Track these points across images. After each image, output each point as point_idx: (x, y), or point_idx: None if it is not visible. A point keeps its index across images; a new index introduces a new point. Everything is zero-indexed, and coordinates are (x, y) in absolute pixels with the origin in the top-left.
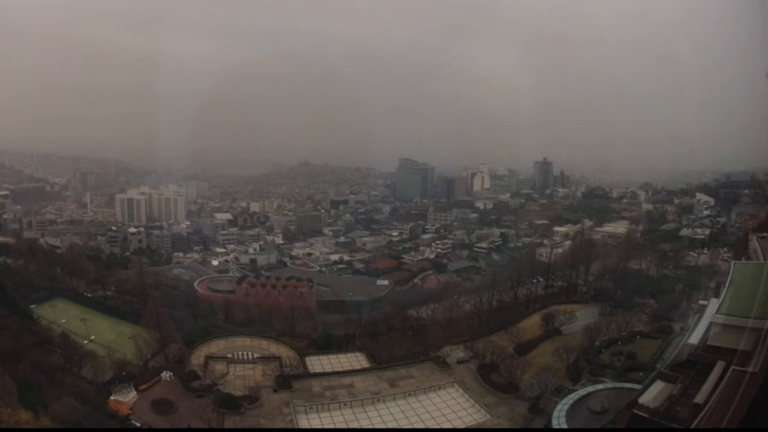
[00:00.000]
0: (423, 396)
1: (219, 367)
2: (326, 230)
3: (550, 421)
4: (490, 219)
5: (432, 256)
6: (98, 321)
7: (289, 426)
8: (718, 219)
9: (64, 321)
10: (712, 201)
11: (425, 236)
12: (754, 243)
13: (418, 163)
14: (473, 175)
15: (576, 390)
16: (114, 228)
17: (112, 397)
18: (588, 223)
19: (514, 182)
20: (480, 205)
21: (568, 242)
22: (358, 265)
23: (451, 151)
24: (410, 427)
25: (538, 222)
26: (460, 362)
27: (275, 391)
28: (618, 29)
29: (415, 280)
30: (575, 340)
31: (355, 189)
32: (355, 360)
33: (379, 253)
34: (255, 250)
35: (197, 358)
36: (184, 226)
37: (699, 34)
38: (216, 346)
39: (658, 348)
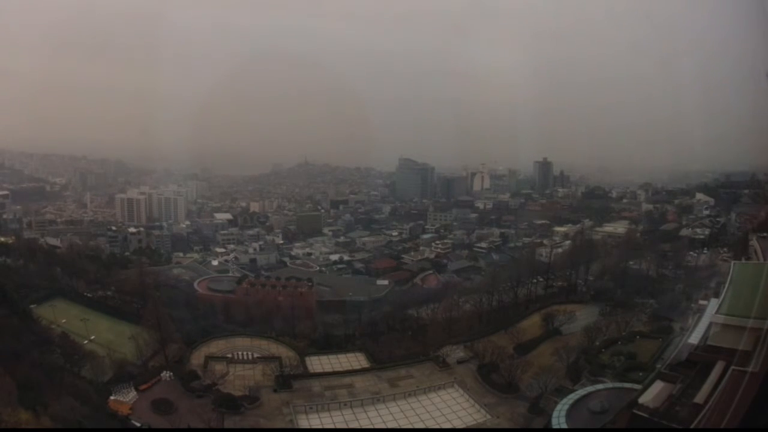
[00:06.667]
0: (423, 396)
1: (219, 367)
2: (326, 230)
3: (550, 421)
4: (490, 219)
5: (432, 256)
6: (98, 321)
7: (289, 426)
8: (718, 219)
9: (64, 321)
10: (712, 201)
11: (425, 236)
12: (754, 243)
13: (418, 163)
14: (473, 175)
15: (576, 390)
16: (114, 228)
17: (112, 397)
18: (588, 223)
19: (514, 182)
20: (480, 205)
21: (568, 242)
22: (358, 265)
23: (451, 151)
24: (410, 427)
25: (538, 222)
26: (460, 362)
27: (275, 391)
28: (618, 29)
29: (415, 280)
30: (575, 340)
31: (355, 189)
32: (355, 360)
33: (379, 253)
34: (255, 250)
35: (197, 358)
36: (184, 226)
37: (699, 34)
38: (216, 346)
39: (658, 348)
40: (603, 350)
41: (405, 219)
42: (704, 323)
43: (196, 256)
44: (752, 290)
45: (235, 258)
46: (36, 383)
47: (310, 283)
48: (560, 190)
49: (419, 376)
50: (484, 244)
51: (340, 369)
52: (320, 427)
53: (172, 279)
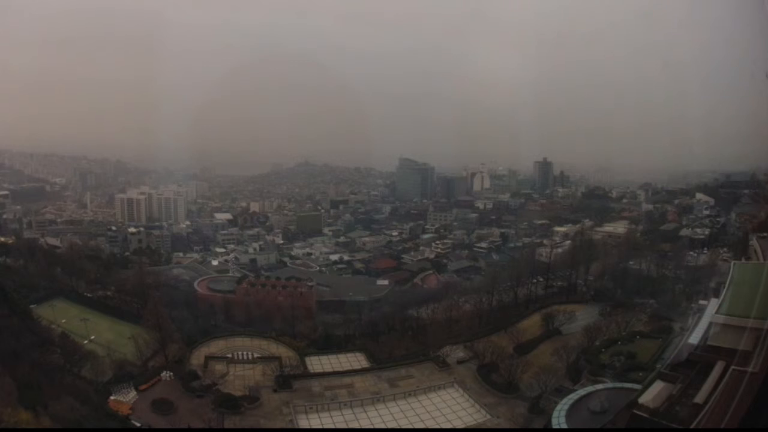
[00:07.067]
0: (423, 396)
1: (219, 367)
2: (326, 230)
3: (550, 421)
4: (490, 219)
5: (432, 256)
6: (98, 321)
7: (289, 426)
8: (718, 219)
9: (64, 321)
10: (712, 201)
11: (425, 236)
12: (754, 243)
13: (418, 163)
14: (473, 175)
15: (576, 390)
16: (114, 228)
17: (112, 397)
18: (588, 223)
19: (514, 182)
20: (480, 205)
21: (568, 242)
22: (358, 265)
23: (451, 151)
24: (410, 427)
25: (538, 222)
26: (460, 362)
27: (275, 391)
28: (619, 30)
29: (415, 280)
30: (575, 340)
31: (355, 189)
32: (355, 360)
33: (379, 253)
34: (255, 250)
35: (197, 358)
36: (184, 226)
37: (699, 34)
38: (216, 346)
39: (658, 348)
40: (603, 350)
41: (405, 219)
42: (704, 323)
43: (196, 256)
44: (752, 290)
45: (235, 258)
46: (36, 383)
47: (310, 283)
48: (560, 190)
49: (419, 376)
50: (484, 244)
51: (340, 369)
52: (320, 427)
53: (172, 279)
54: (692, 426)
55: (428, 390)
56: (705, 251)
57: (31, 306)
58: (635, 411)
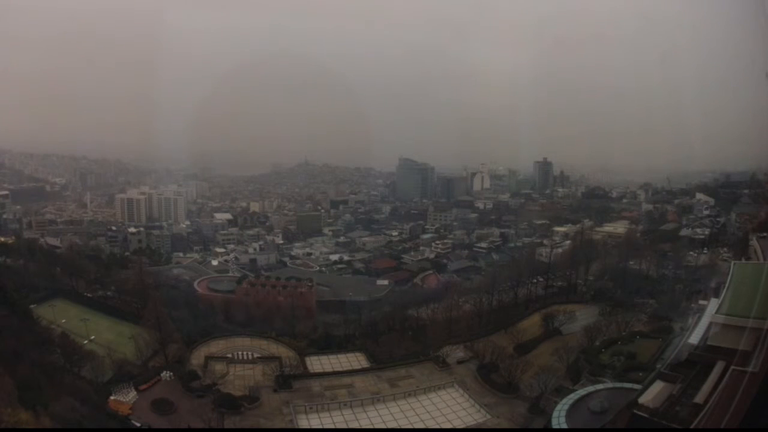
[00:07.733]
0: (423, 396)
1: (219, 367)
2: (326, 230)
3: (549, 421)
4: (490, 219)
5: (432, 256)
6: (98, 321)
7: (289, 426)
8: (718, 219)
9: (64, 321)
10: (712, 201)
11: (425, 236)
12: (754, 243)
13: (418, 163)
14: (473, 175)
15: (576, 390)
16: (114, 228)
17: (112, 397)
18: (588, 223)
19: (514, 182)
20: (480, 205)
21: (568, 242)
22: (358, 265)
23: (451, 151)
24: (410, 427)
25: (538, 222)
26: (460, 362)
27: (275, 391)
28: (618, 30)
29: (415, 280)
30: (575, 340)
31: (355, 189)
32: (355, 360)
33: (379, 253)
34: (255, 250)
35: (197, 358)
36: (184, 226)
37: (699, 34)
38: (216, 346)
39: (658, 348)
40: (603, 350)
41: (405, 219)
42: (704, 323)
43: (196, 256)
44: (752, 290)
45: (235, 258)
46: (36, 383)
47: (310, 283)
48: (560, 190)
49: (419, 376)
50: (484, 244)
51: (340, 369)
52: (320, 427)
53: (172, 279)
54: (692, 426)
55: (428, 390)
56: (705, 251)
57: (31, 306)
58: (635, 411)
